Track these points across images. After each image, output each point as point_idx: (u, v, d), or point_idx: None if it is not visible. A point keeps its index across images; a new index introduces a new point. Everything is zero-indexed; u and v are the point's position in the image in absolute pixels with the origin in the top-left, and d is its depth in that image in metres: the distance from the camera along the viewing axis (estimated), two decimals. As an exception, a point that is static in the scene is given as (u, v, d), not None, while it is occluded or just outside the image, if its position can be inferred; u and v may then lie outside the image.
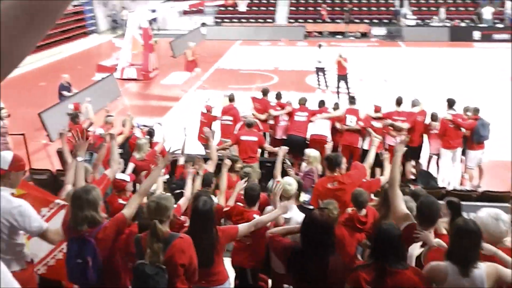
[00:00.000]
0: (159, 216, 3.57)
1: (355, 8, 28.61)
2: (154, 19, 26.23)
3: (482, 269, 3.15)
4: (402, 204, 3.89)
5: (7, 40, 0.75)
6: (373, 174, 7.61)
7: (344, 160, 6.13)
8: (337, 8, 28.74)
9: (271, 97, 10.51)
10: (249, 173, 5.78)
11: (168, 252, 3.51)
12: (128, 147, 8.52)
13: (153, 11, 20.21)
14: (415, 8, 28.47)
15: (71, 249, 3.64)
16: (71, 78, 13.71)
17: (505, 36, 24.58)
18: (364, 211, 4.80)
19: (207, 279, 4.16)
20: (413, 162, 9.63)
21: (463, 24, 26.52)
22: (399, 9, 28.18)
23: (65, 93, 13.14)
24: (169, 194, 4.37)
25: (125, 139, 8.60)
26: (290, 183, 4.97)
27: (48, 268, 4.46)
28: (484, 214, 3.55)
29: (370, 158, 6.23)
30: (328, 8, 28.54)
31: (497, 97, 14.65)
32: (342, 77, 14.74)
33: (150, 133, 8.68)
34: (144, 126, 9.54)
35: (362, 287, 3.31)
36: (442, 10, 27.08)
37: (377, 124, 9.36)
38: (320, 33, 27.49)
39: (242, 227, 4.34)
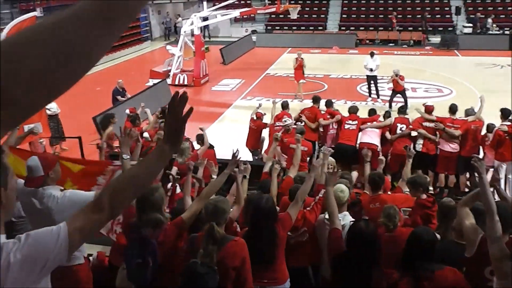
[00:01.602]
0: (216, 218, 3.60)
1: (409, 16, 28.02)
2: (206, 27, 26.69)
3: None
4: (472, 220, 3.64)
5: (84, 38, 0.76)
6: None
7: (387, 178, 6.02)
8: (390, 16, 28.24)
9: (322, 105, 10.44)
10: (304, 177, 5.77)
11: (221, 254, 3.52)
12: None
13: (205, 18, 20.54)
14: (472, 16, 27.56)
15: (132, 249, 3.70)
16: (125, 83, 14.13)
17: None
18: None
19: (269, 276, 4.16)
20: (467, 174, 9.26)
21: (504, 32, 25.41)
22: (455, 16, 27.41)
23: (119, 97, 13.55)
24: (226, 198, 4.40)
25: (152, 127, 8.93)
26: (343, 189, 4.85)
27: (117, 236, 4.67)
28: None
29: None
30: (400, 16, 27.99)
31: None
32: (399, 92, 14.35)
33: (200, 138, 8.79)
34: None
35: None
36: (490, 21, 26.04)
37: (430, 125, 9.11)
38: (372, 40, 27.10)
39: (290, 209, 4.36)
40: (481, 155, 9.14)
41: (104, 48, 0.80)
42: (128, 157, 4.43)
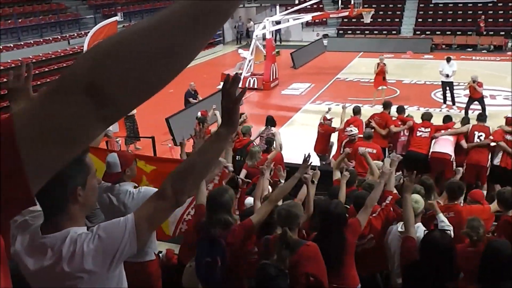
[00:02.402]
0: (289, 223, 3.63)
1: (490, 20, 26.67)
2: (278, 31, 26.84)
3: None
4: None
5: (177, 39, 0.78)
6: None
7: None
8: (469, 20, 27.07)
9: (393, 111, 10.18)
10: (373, 184, 5.67)
11: (294, 258, 3.53)
12: (245, 154, 8.77)
13: (278, 22, 20.66)
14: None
15: (202, 248, 3.80)
16: (197, 86, 14.50)
17: None
18: None
19: (339, 281, 4.15)
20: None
21: None
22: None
23: (191, 99, 13.94)
24: (298, 202, 4.42)
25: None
26: (417, 200, 4.70)
27: (187, 223, 4.86)
28: None
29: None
30: (501, 20, 26.85)
31: None
32: (476, 99, 13.70)
33: (269, 141, 8.85)
34: (261, 135, 9.76)
35: None
36: None
37: (511, 138, 8.58)
38: (448, 45, 26.06)
39: (360, 215, 4.33)
40: None
41: (197, 49, 0.83)
42: None
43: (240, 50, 21.01)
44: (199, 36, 0.80)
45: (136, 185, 4.29)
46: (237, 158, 8.91)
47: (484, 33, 25.90)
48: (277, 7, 20.90)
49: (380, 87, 15.67)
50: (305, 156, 4.54)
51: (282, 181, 5.64)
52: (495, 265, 3.19)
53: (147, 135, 11.11)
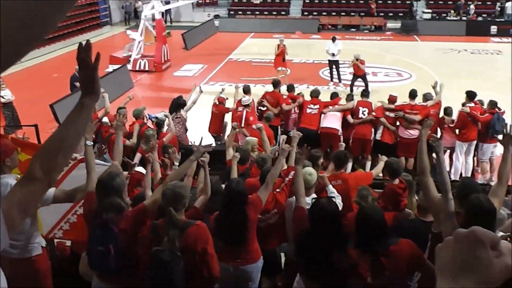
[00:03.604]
0: (175, 204, 3.59)
1: (370, 1, 28.27)
2: (168, 11, 26.21)
3: None
4: (435, 190, 3.72)
5: (10, 29, 0.75)
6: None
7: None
8: (352, 1, 28.49)
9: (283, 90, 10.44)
10: (266, 158, 5.78)
11: (184, 240, 3.53)
12: (139, 137, 8.50)
13: (167, 2, 20.21)
14: (432, 2, 28.09)
15: (94, 237, 3.67)
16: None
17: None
18: None
19: (241, 257, 4.28)
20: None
21: (480, 18, 26.09)
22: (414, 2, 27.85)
23: (77, 84, 13.16)
24: (185, 183, 4.37)
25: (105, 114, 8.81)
26: (311, 172, 4.89)
27: (64, 232, 4.57)
28: None
29: (379, 168, 6.14)
30: (361, 1, 28.26)
31: (509, 92, 14.39)
32: (360, 76, 14.51)
33: (159, 125, 8.65)
34: (156, 118, 9.51)
35: (364, 278, 3.29)
36: (472, 7, 26.54)
37: (391, 115, 9.24)
38: (334, 26, 27.26)
39: (261, 191, 4.42)
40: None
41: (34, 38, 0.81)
42: (92, 143, 4.35)
43: (128, 31, 20.22)
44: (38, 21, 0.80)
45: (18, 176, 3.96)
46: (130, 142, 8.64)
47: (375, 14, 27.45)
48: (166, -14, 20.39)
49: (279, 68, 15.97)
50: (200, 138, 4.49)
51: (177, 163, 5.55)
52: (368, 230, 3.42)
53: (31, 123, 10.30)
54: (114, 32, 27.14)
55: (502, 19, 25.62)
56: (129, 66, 17.59)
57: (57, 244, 5.38)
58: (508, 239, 3.30)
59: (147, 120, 9.36)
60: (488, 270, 0.90)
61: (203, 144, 4.36)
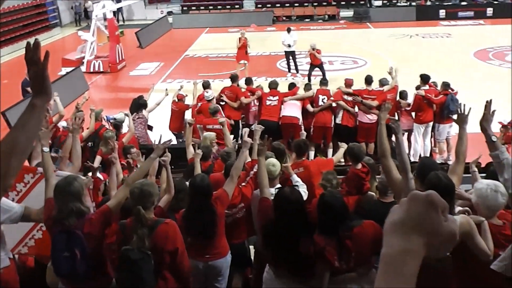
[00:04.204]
0: (143, 202, 3.54)
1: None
2: (120, 10, 25.72)
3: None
4: (397, 172, 3.77)
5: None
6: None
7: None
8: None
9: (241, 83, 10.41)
10: (231, 152, 5.77)
11: (153, 238, 3.49)
12: (99, 140, 8.32)
13: (118, 1, 19.77)
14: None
15: (57, 243, 3.56)
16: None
17: (469, 13, 25.03)
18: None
19: (210, 252, 4.29)
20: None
21: (429, 3, 26.78)
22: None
23: (29, 89, 12.74)
24: (152, 181, 4.31)
25: (90, 133, 8.40)
26: (274, 163, 4.90)
27: (29, 248, 4.42)
28: (483, 186, 3.42)
29: (340, 154, 6.26)
30: None
31: (461, 72, 14.91)
32: (317, 65, 14.64)
33: (117, 126, 8.47)
34: (114, 119, 9.32)
35: (332, 263, 3.33)
36: None
37: (349, 98, 9.39)
38: (288, 17, 27.41)
39: (226, 185, 4.43)
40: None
41: None
42: (48, 149, 4.24)
43: (80, 32, 19.69)
44: None
45: None
46: (89, 145, 8.46)
47: (335, 3, 27.73)
48: (116, -16, 19.94)
49: (242, 61, 15.92)
50: (160, 137, 4.44)
51: (140, 165, 5.48)
52: (330, 216, 3.49)
53: (-19, 132, 9.94)
54: (64, 34, 26.43)
55: (450, 3, 26.38)
56: (83, 68, 17.19)
57: (18, 256, 5.23)
58: (466, 213, 3.42)
59: (105, 121, 9.17)
60: (437, 232, 0.97)
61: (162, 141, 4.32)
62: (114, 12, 19.55)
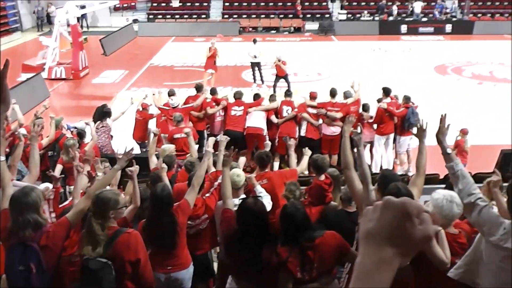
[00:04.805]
0: (105, 210, 3.49)
1: (288, 4, 28.94)
2: (84, 16, 25.30)
3: None
4: (360, 183, 3.82)
5: None
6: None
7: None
8: (271, 4, 28.99)
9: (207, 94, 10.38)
10: (194, 162, 5.73)
11: (114, 248, 3.42)
12: (59, 149, 8.13)
13: (82, 7, 19.40)
14: (346, 3, 29.21)
15: (12, 257, 3.45)
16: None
17: (429, 29, 25.88)
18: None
19: (172, 263, 4.25)
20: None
21: (391, 18, 27.51)
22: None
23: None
24: (114, 189, 4.26)
25: (50, 141, 8.20)
26: (239, 174, 4.92)
27: None
28: (440, 196, 3.49)
29: (304, 164, 6.30)
30: (280, 4, 28.87)
31: (421, 86, 15.36)
32: (282, 77, 14.76)
33: (81, 134, 8.29)
34: (75, 128, 9.12)
35: (294, 273, 3.35)
36: (395, 8, 27.73)
37: (313, 111, 9.50)
38: (254, 28, 27.61)
39: (188, 194, 4.41)
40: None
41: None
42: (5, 158, 4.11)
43: (41, 38, 19.27)
44: None
45: None
46: (49, 154, 8.25)
47: (301, 16, 28.07)
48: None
49: (209, 70, 15.87)
50: (125, 147, 4.37)
51: (100, 174, 5.38)
52: (292, 226, 3.54)
53: None
54: (25, 39, 25.78)
55: (411, 19, 27.20)
56: (44, 74, 16.76)
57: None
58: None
59: (65, 130, 8.97)
60: (410, 241, 0.97)
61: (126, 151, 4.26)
62: (78, 18, 19.18)
